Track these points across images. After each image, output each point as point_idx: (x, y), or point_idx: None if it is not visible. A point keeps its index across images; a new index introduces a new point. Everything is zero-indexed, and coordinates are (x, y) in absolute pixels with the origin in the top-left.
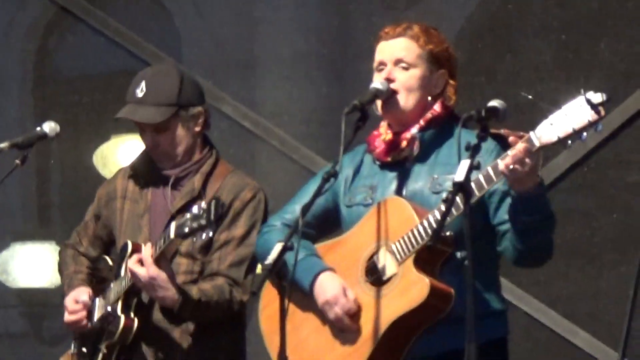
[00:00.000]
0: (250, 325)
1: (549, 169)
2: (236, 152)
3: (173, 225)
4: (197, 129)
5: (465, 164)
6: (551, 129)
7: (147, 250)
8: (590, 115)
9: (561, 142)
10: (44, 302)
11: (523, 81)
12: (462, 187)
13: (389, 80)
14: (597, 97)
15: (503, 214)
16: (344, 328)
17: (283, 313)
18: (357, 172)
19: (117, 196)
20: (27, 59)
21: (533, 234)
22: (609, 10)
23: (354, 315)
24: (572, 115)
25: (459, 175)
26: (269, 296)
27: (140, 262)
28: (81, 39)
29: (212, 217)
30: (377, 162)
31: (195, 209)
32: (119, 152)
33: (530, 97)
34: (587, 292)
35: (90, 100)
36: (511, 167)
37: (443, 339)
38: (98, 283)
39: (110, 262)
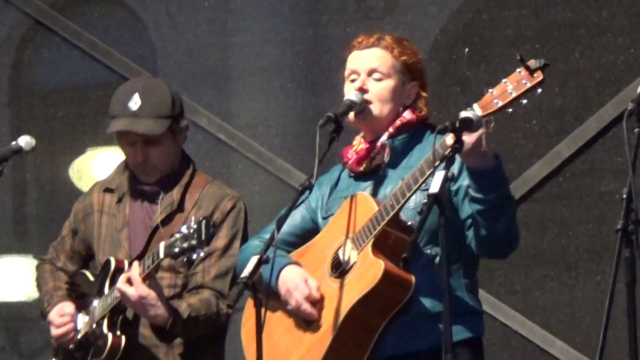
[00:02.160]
0: (229, 337)
1: (524, 179)
2: (212, 164)
3: (162, 245)
4: (182, 141)
5: (440, 175)
6: (492, 97)
7: (135, 270)
8: (528, 80)
9: (503, 109)
10: (21, 316)
11: None
12: (437, 199)
13: (363, 90)
14: (534, 63)
15: (467, 207)
16: (305, 315)
17: (259, 325)
18: (334, 187)
19: (94, 210)
20: (2, 72)
21: (491, 217)
22: (583, 19)
23: (316, 303)
24: (513, 82)
25: (434, 187)
26: (250, 310)
27: (129, 282)
28: (56, 52)
29: (202, 237)
30: (352, 175)
31: (184, 229)
32: (95, 165)
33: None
34: (563, 302)
35: (66, 114)
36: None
37: (414, 338)
38: (78, 298)
39: (91, 277)
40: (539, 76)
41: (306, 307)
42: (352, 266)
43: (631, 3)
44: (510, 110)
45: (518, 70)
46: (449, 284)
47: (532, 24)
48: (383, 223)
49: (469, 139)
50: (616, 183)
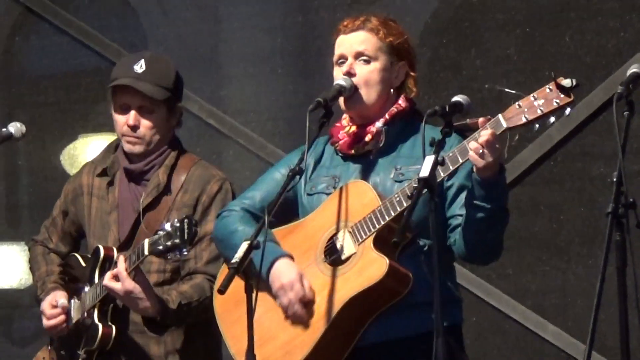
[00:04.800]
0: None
1: (516, 163)
2: (202, 150)
3: (146, 242)
4: (174, 123)
5: (429, 160)
6: (519, 111)
7: (121, 265)
8: (559, 99)
9: (528, 125)
10: (14, 303)
11: (488, 75)
12: (427, 183)
13: (350, 74)
14: (567, 82)
15: (456, 208)
16: (295, 315)
17: (251, 313)
18: (318, 162)
19: (84, 192)
20: None
21: (487, 226)
22: (573, 2)
23: (307, 303)
24: (541, 98)
25: (424, 171)
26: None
27: (115, 278)
28: (46, 39)
29: (185, 236)
30: (340, 154)
31: (167, 226)
32: (87, 152)
33: (503, 89)
34: (555, 286)
35: (56, 100)
36: (481, 151)
37: (398, 324)
38: (70, 281)
39: (82, 261)
40: (570, 97)
41: (298, 309)
42: (350, 257)
43: None
44: (537, 126)
45: (548, 86)
46: (438, 269)
47: (522, 8)
48: (389, 219)
49: (491, 153)
50: (607, 167)
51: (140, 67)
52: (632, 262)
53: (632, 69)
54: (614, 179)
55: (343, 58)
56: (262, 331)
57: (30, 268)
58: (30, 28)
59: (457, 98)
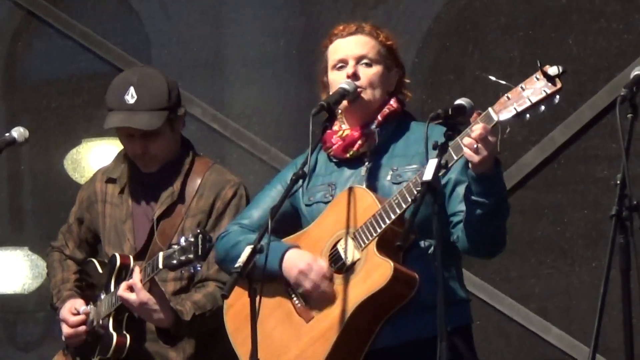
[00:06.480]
0: None
1: (519, 166)
2: (206, 154)
3: (161, 255)
4: (180, 128)
5: (433, 163)
6: (508, 103)
7: (136, 276)
8: (547, 87)
9: (519, 116)
10: (18, 308)
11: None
12: (430, 186)
13: (356, 76)
14: (554, 70)
15: (455, 204)
16: (324, 293)
17: (254, 316)
18: (312, 171)
19: (98, 200)
20: None
21: (488, 220)
22: (576, 5)
23: (330, 281)
24: (530, 88)
25: (427, 174)
26: (234, 296)
27: (130, 289)
28: (49, 43)
29: (199, 251)
30: (334, 160)
31: (182, 241)
32: (90, 156)
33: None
34: (558, 288)
35: (59, 105)
36: (475, 146)
37: (408, 328)
38: (87, 288)
39: (99, 268)
40: (558, 84)
41: (325, 285)
42: (354, 263)
43: None
44: (528, 116)
45: (535, 75)
46: (443, 272)
47: (525, 10)
48: (389, 222)
49: (486, 147)
50: (610, 169)
51: (131, 96)
52: (636, 264)
53: (636, 71)
54: (618, 182)
55: (343, 62)
56: (274, 346)
57: (48, 274)
58: (33, 32)
59: (460, 101)
